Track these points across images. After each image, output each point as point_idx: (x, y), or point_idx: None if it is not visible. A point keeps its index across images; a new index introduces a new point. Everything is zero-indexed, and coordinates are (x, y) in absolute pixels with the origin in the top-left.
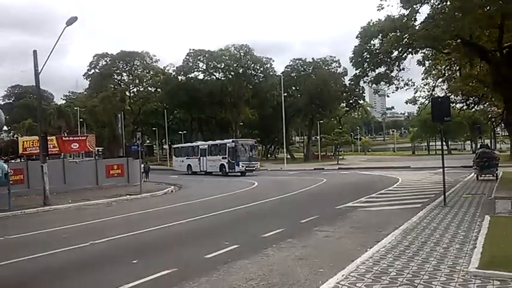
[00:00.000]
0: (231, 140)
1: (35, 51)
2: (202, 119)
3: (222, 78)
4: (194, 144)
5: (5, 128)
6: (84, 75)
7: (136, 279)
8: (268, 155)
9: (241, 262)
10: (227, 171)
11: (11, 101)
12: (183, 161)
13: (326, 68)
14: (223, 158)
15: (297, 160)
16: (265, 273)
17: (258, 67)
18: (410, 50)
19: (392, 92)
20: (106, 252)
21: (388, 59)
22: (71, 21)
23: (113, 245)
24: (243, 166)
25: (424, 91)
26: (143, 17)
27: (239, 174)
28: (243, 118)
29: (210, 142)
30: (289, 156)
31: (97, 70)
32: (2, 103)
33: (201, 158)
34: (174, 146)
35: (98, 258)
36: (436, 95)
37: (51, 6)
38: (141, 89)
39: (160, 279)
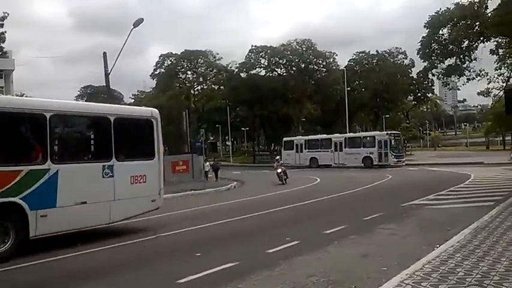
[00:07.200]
0: None
1: (104, 53)
2: (264, 115)
3: (284, 74)
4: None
5: None
6: (150, 75)
7: (199, 271)
8: None
9: (303, 258)
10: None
11: (83, 101)
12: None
13: (392, 60)
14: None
15: None
16: (327, 269)
17: (320, 61)
18: (482, 38)
19: (463, 84)
20: (171, 245)
21: (458, 49)
22: (138, 23)
23: (177, 237)
24: None
25: (498, 82)
26: (206, 15)
27: None
28: (305, 114)
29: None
30: None
31: (163, 70)
32: None
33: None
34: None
35: (162, 251)
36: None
37: (134, 8)
38: (205, 87)
39: (223, 271)
